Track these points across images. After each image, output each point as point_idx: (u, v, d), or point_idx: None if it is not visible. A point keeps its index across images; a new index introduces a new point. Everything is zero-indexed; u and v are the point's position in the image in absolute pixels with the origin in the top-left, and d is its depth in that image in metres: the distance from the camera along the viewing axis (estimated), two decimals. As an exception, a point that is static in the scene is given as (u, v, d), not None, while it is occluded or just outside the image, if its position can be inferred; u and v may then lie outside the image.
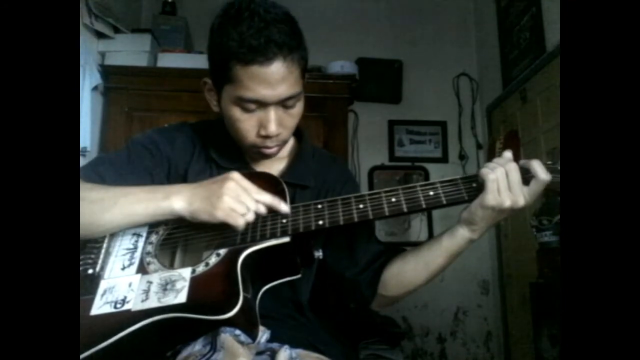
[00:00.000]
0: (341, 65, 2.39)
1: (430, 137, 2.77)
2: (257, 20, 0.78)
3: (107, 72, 2.14)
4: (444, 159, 2.74)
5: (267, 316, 0.77)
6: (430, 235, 2.60)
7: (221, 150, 0.95)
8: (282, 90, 0.81)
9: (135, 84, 2.16)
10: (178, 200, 0.76)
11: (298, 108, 0.87)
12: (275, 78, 0.79)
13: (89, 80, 1.98)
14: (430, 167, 2.72)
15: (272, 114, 0.83)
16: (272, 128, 0.83)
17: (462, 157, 2.74)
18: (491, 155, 2.46)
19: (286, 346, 0.76)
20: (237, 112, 0.84)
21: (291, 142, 1.01)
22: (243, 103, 0.82)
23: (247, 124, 0.85)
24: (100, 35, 2.15)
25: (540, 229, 1.59)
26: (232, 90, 0.82)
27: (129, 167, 0.89)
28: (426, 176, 2.71)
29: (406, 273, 0.88)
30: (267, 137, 0.85)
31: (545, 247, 1.66)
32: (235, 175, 0.77)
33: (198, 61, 2.14)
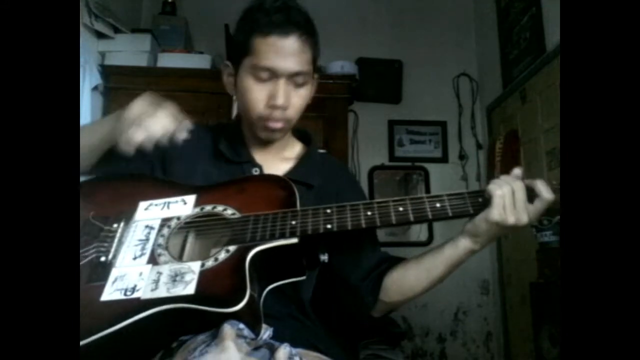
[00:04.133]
0: (341, 65, 2.39)
1: (430, 137, 2.77)
2: (281, 2, 0.89)
3: (107, 72, 2.14)
4: (444, 159, 2.74)
5: (269, 315, 0.78)
6: (430, 236, 2.60)
7: (230, 144, 0.99)
8: (294, 64, 0.88)
9: (135, 84, 2.15)
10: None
11: (305, 91, 0.93)
12: (289, 51, 0.87)
13: (89, 80, 1.98)
14: (430, 167, 2.72)
15: (282, 86, 0.89)
16: (281, 99, 0.88)
17: (462, 157, 2.74)
18: (491, 155, 2.46)
19: (286, 344, 0.77)
20: (250, 82, 0.90)
21: (299, 146, 1.05)
22: (257, 72, 0.88)
23: (259, 94, 0.90)
24: (100, 35, 2.15)
25: (540, 229, 1.59)
26: (249, 61, 0.89)
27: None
28: (426, 176, 2.71)
29: (407, 280, 0.90)
30: (275, 107, 0.89)
31: (545, 247, 1.66)
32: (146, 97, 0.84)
33: (198, 61, 2.14)
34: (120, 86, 2.15)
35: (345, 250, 0.95)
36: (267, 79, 0.89)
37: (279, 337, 0.79)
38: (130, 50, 2.19)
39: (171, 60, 2.23)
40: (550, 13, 2.04)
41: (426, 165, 2.73)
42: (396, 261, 0.94)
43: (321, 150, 1.11)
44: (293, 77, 0.89)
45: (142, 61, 2.19)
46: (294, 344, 0.78)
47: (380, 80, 2.72)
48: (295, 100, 0.92)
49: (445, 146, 2.76)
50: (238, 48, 0.92)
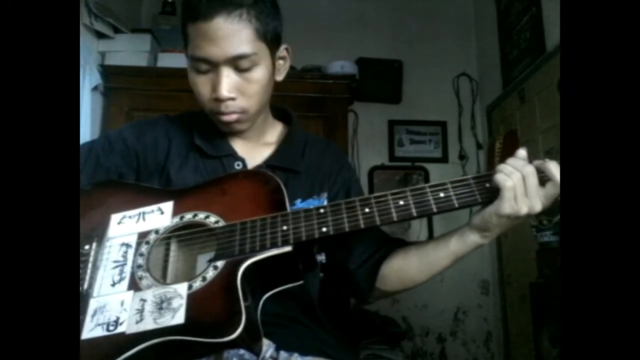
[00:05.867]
0: (341, 65, 2.39)
1: (430, 137, 2.77)
2: None
3: (107, 72, 2.14)
4: (444, 159, 2.74)
5: (271, 323, 0.74)
6: (431, 235, 2.60)
7: (207, 137, 0.91)
8: (228, 48, 0.78)
9: (135, 84, 2.16)
10: None
11: (257, 73, 0.82)
12: (218, 35, 0.77)
13: (89, 80, 1.98)
14: (430, 167, 2.72)
15: (222, 75, 0.80)
16: (222, 91, 0.80)
17: (462, 157, 2.74)
18: (491, 155, 2.46)
19: (296, 354, 0.75)
20: (192, 75, 0.83)
21: (280, 128, 0.98)
22: (194, 63, 0.81)
23: (202, 88, 0.82)
24: (100, 35, 2.15)
25: (540, 229, 1.59)
26: (188, 52, 0.82)
27: (86, 159, 0.88)
28: (426, 176, 2.71)
29: (408, 271, 0.85)
30: (218, 100, 0.81)
31: (545, 247, 1.66)
32: None
33: (198, 61, 2.13)
34: (120, 86, 2.15)
35: (338, 238, 0.90)
36: (207, 70, 0.80)
37: (285, 346, 0.76)
38: (130, 50, 2.19)
39: (171, 60, 2.23)
40: (550, 13, 2.04)
41: (426, 165, 2.73)
42: (394, 246, 0.88)
43: None
44: (234, 62, 0.79)
45: (142, 61, 2.19)
46: (302, 353, 0.76)
47: (380, 80, 2.72)
48: (244, 87, 0.81)
49: (445, 146, 2.76)
50: (183, 40, 0.84)
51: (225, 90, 0.80)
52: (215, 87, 0.81)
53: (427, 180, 2.70)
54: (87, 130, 1.94)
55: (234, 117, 0.84)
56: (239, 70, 0.81)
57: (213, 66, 0.80)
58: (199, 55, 0.79)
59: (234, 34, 0.78)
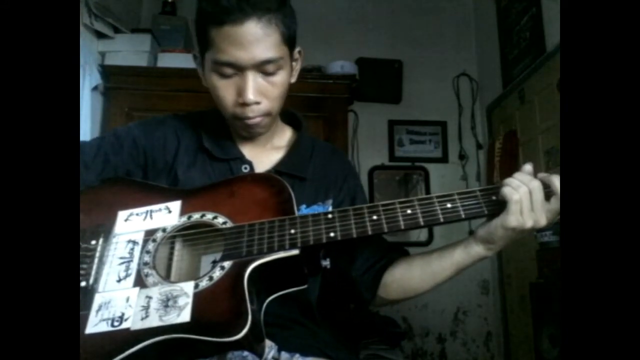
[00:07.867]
0: (341, 65, 2.39)
1: (430, 137, 2.77)
2: None
3: (107, 72, 2.14)
4: (444, 159, 2.74)
5: (274, 324, 0.74)
6: (430, 236, 2.60)
7: (215, 139, 0.91)
8: (257, 52, 0.78)
9: (135, 84, 2.16)
10: None
11: (280, 77, 0.83)
12: (248, 39, 0.77)
13: (89, 80, 1.98)
14: (430, 167, 2.72)
15: (249, 79, 0.80)
16: (249, 95, 0.80)
17: (462, 157, 2.74)
18: (491, 155, 2.46)
19: (297, 355, 0.75)
20: (215, 79, 0.82)
21: (289, 133, 0.99)
22: (219, 67, 0.80)
23: (226, 92, 0.82)
24: (100, 35, 2.15)
25: (541, 229, 1.59)
26: (210, 56, 0.81)
27: (95, 156, 0.88)
28: (426, 176, 2.71)
29: (411, 280, 0.86)
30: (245, 104, 0.81)
31: (545, 247, 1.66)
32: None
33: (198, 61, 2.14)
34: (120, 86, 2.15)
35: (342, 245, 0.88)
36: (232, 74, 0.80)
37: (287, 346, 0.76)
38: (130, 50, 2.19)
39: (171, 60, 2.23)
40: (550, 13, 2.04)
41: (426, 165, 2.73)
42: (397, 255, 0.89)
43: None
44: (261, 67, 0.79)
45: (142, 61, 2.19)
46: (303, 354, 0.76)
47: (380, 80, 2.72)
48: (268, 90, 0.82)
49: (445, 146, 2.76)
50: (199, 42, 0.83)
51: (252, 94, 0.80)
52: (241, 91, 0.80)
53: (427, 180, 2.71)
54: (87, 130, 1.94)
55: (257, 120, 0.84)
56: (264, 74, 0.81)
57: (239, 70, 0.80)
58: (225, 59, 0.78)
59: (264, 39, 0.78)
